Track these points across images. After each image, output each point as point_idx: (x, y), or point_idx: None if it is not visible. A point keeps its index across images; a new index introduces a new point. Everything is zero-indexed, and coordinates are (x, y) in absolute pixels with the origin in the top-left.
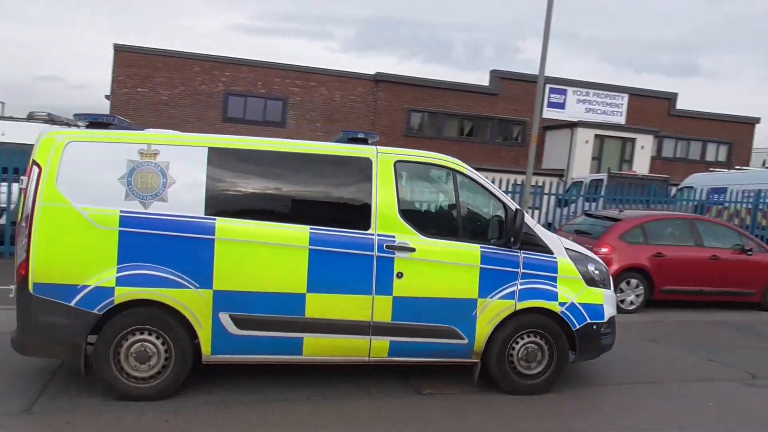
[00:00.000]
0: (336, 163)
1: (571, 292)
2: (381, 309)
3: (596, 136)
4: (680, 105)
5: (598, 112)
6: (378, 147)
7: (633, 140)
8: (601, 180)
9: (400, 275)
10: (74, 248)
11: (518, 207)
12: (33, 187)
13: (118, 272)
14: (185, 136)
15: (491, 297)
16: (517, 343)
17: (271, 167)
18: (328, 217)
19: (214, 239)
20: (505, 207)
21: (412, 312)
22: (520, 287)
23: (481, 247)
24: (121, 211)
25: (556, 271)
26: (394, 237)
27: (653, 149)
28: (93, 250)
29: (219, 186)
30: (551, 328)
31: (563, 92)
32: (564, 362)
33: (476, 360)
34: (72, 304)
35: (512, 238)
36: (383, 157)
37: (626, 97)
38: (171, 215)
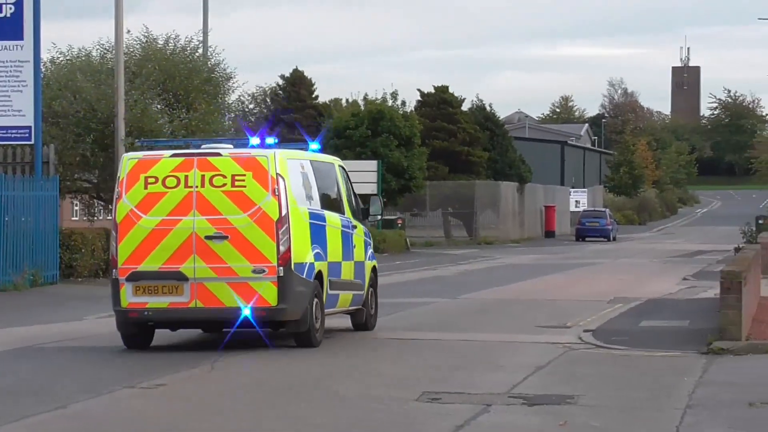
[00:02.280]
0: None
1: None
2: (350, 271)
3: None
4: None
5: None
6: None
7: None
8: None
9: (354, 246)
10: (301, 236)
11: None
12: (283, 194)
13: (312, 251)
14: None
15: (368, 259)
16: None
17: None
18: (333, 206)
19: (325, 225)
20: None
21: (358, 272)
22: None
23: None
24: (308, 208)
25: None
26: (350, 219)
27: None
28: (304, 237)
29: (321, 186)
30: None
31: None
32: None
33: (363, 307)
34: (304, 276)
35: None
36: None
37: None
38: (317, 210)
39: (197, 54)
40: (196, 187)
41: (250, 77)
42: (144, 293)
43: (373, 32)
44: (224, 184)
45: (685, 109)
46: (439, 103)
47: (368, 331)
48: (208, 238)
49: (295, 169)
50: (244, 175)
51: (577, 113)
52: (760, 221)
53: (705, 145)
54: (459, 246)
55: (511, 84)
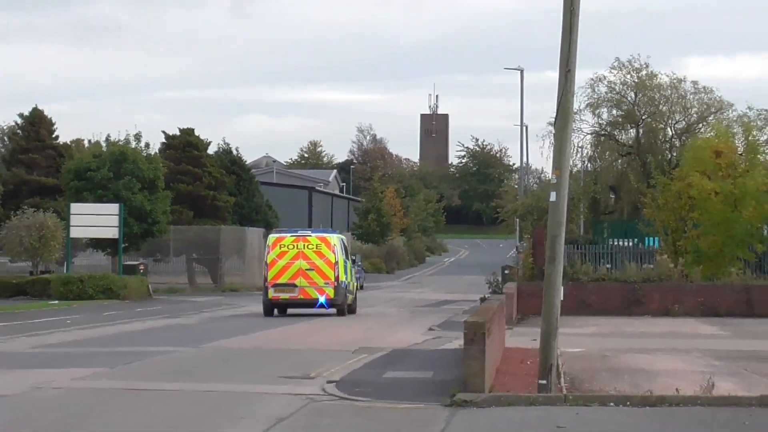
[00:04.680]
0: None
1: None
2: (353, 286)
3: None
4: None
5: None
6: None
7: None
8: None
9: (353, 273)
10: (342, 270)
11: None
12: (336, 252)
13: (345, 275)
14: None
15: (356, 281)
16: None
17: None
18: (347, 256)
19: (347, 265)
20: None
21: (353, 286)
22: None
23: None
24: (344, 258)
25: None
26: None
27: None
28: (343, 270)
29: (344, 249)
30: None
31: None
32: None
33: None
34: (342, 287)
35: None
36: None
37: None
38: (345, 258)
39: None
40: (301, 249)
41: None
42: (278, 292)
43: (117, 70)
44: (312, 248)
45: (433, 156)
46: (184, 146)
47: (354, 314)
48: (306, 269)
49: (339, 242)
50: (321, 244)
51: (325, 158)
52: (506, 271)
53: (453, 193)
54: (203, 293)
55: (258, 127)
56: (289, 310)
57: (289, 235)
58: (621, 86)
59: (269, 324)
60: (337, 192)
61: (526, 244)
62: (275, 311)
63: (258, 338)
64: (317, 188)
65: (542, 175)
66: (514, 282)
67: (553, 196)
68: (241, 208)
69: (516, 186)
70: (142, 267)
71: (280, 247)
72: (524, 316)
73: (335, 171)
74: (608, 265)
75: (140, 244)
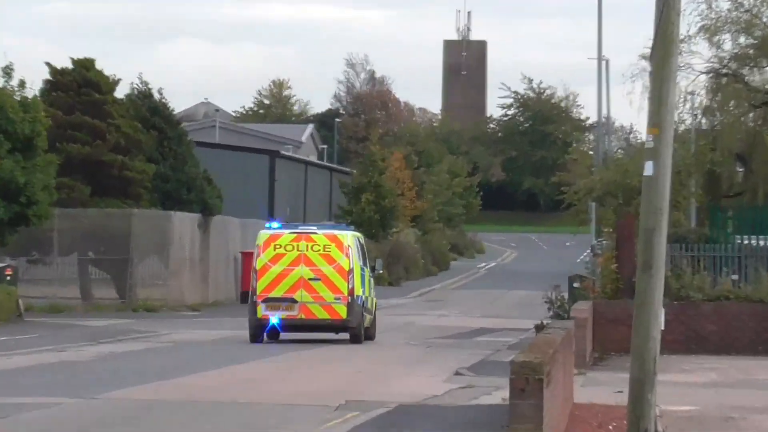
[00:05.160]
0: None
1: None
2: (372, 303)
3: None
4: None
5: None
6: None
7: None
8: None
9: (372, 287)
10: (358, 280)
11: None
12: (351, 257)
13: (362, 288)
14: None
15: (374, 297)
16: None
17: None
18: (365, 263)
19: (365, 275)
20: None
21: (372, 304)
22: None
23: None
24: (361, 265)
25: None
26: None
27: None
28: (359, 281)
29: (362, 252)
30: None
31: None
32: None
33: (371, 326)
34: (359, 303)
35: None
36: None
37: None
38: (363, 266)
39: None
40: (303, 251)
41: None
42: (271, 309)
43: None
44: (319, 250)
45: (463, 105)
46: (79, 86)
47: (371, 341)
48: (309, 279)
49: (355, 242)
50: (330, 245)
51: (296, 108)
52: (576, 284)
53: (494, 163)
54: (104, 313)
55: (194, 59)
56: (284, 334)
57: (287, 231)
58: (753, 0)
59: (207, 362)
60: (314, 159)
61: (606, 241)
62: (265, 336)
63: (188, 385)
64: (283, 152)
65: (631, 135)
66: (588, 301)
67: (648, 168)
68: (165, 182)
69: (591, 152)
70: (8, 272)
71: (275, 248)
72: (604, 354)
73: (311, 127)
74: (734, 276)
75: (7, 235)
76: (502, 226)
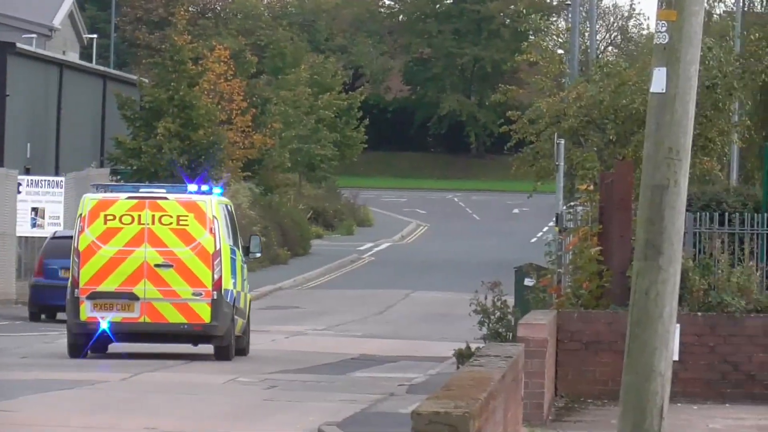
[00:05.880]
0: None
1: None
2: (245, 301)
3: None
4: None
5: None
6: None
7: None
8: None
9: (246, 279)
10: (227, 267)
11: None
12: (217, 232)
13: (232, 280)
14: None
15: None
16: None
17: None
18: (236, 243)
19: (236, 259)
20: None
21: (246, 303)
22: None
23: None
24: (230, 245)
25: None
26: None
27: None
28: (227, 268)
29: (231, 225)
30: None
31: None
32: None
33: (243, 334)
34: (228, 300)
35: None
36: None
37: None
38: (233, 246)
39: None
40: (148, 224)
41: None
42: (101, 309)
43: None
44: (170, 223)
45: None
46: None
47: (245, 356)
48: (157, 266)
49: (223, 212)
50: (187, 215)
51: None
52: (529, 281)
53: (390, 68)
54: None
55: None
56: (114, 345)
57: (124, 195)
58: None
59: None
60: (75, 57)
61: (584, 208)
62: (87, 348)
63: None
64: (21, 46)
65: (631, 22)
66: (548, 311)
67: (659, 80)
68: None
69: (561, 51)
70: None
71: (106, 220)
72: (574, 401)
73: (71, 2)
74: None
75: None
76: (402, 179)
